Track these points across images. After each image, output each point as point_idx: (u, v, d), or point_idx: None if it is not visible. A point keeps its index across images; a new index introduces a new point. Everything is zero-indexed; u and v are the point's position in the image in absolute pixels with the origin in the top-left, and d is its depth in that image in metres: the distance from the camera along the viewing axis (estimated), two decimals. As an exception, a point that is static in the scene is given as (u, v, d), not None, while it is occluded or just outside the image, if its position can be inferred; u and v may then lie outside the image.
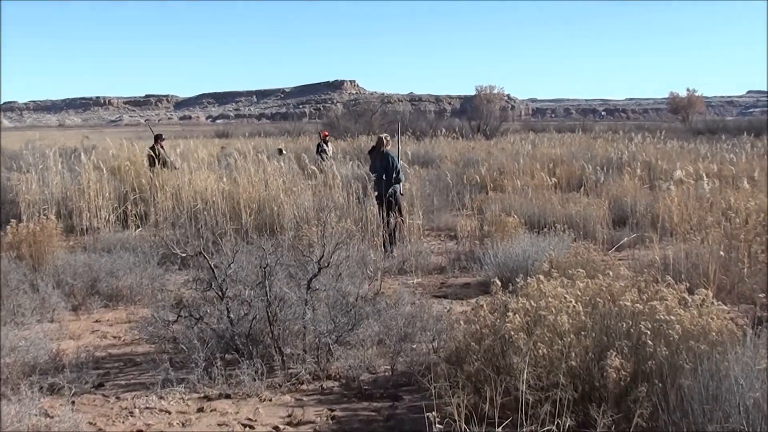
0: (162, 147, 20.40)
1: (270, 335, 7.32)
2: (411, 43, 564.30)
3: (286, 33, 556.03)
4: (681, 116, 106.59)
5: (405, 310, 8.20)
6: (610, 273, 6.90)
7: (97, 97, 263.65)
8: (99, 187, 16.01)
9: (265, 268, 7.49)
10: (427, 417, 4.64)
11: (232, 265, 7.93)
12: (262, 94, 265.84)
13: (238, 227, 13.90)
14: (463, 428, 4.85)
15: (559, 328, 5.54)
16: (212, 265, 7.78)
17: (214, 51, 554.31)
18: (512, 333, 5.57)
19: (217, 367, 7.01)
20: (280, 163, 16.67)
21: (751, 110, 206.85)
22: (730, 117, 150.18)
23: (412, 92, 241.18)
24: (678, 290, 6.05)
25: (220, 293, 7.64)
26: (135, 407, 6.67)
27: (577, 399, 5.30)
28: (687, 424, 4.96)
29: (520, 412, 5.05)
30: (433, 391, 5.44)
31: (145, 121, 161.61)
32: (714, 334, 5.42)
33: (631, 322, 5.66)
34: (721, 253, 8.91)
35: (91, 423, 6.38)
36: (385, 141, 14.18)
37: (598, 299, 5.99)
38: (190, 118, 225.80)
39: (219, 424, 6.32)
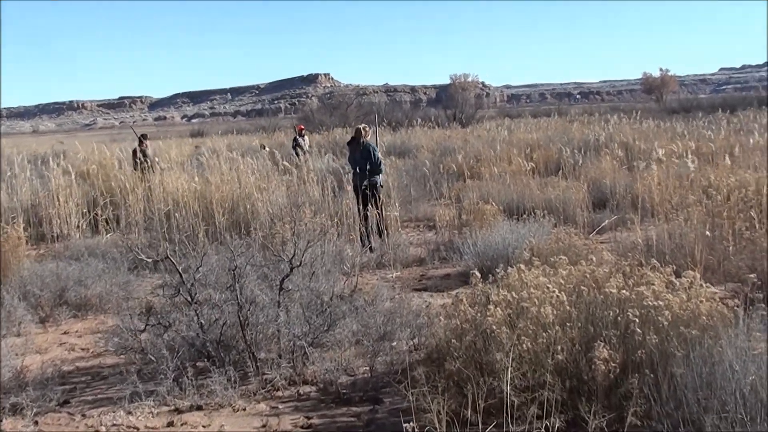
0: (147, 147, 20.14)
1: (243, 340, 7.00)
2: (385, 34, 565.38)
3: (259, 29, 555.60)
4: (655, 96, 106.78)
5: (384, 306, 7.92)
6: (593, 258, 6.58)
7: (71, 101, 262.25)
8: (68, 193, 15.66)
9: (234, 270, 7.16)
10: (405, 429, 4.34)
11: (200, 269, 7.58)
12: (237, 92, 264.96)
13: (211, 227, 13.55)
14: (444, 434, 4.57)
15: (543, 320, 5.25)
16: (180, 270, 7.44)
17: (187, 50, 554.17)
18: (494, 327, 5.28)
19: (187, 377, 6.66)
20: (253, 160, 16.32)
21: (723, 87, 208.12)
22: (704, 95, 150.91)
23: (387, 83, 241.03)
24: (664, 273, 5.79)
25: (189, 298, 7.30)
26: (101, 425, 6.33)
27: (566, 395, 5.03)
28: (682, 414, 4.68)
29: (505, 414, 4.76)
30: (411, 398, 5.13)
31: (128, 123, 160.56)
32: (704, 318, 5.15)
33: (618, 310, 5.37)
34: (707, 233, 8.62)
35: (54, 444, 6.06)
36: (363, 132, 13.84)
37: (582, 287, 5.70)
38: (165, 118, 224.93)
39: (189, 439, 6.01)
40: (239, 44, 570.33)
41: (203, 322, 7.08)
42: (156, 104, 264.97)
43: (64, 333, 9.44)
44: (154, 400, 6.57)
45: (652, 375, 4.92)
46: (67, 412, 6.72)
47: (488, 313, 5.44)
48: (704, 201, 10.50)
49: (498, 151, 21.17)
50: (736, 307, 5.26)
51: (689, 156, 12.80)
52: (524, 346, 5.11)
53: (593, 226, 12.89)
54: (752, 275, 6.19)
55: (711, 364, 4.76)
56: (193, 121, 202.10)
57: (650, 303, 5.20)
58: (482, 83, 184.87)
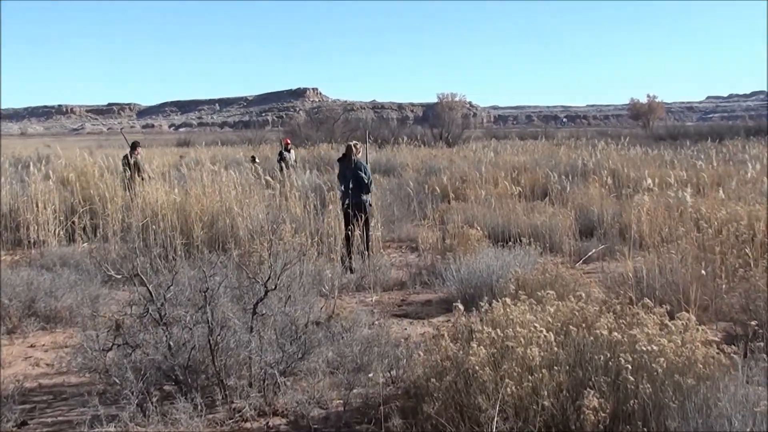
0: (138, 155, 19.86)
1: (212, 365, 6.65)
2: (373, 51, 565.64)
3: (249, 41, 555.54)
4: (642, 122, 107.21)
5: (361, 333, 7.59)
6: (582, 294, 6.27)
7: (60, 106, 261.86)
8: (47, 199, 15.32)
9: (206, 292, 6.81)
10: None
11: (171, 288, 7.23)
12: (225, 103, 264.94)
13: (189, 241, 13.20)
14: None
15: (530, 362, 4.93)
16: (150, 288, 7.10)
17: (177, 59, 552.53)
18: (476, 368, 4.96)
19: (152, 402, 6.31)
20: (235, 173, 16.00)
21: (710, 115, 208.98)
22: (690, 123, 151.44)
23: (374, 99, 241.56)
24: (658, 314, 5.49)
25: (158, 319, 6.95)
26: (57, 452, 5.99)
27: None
28: (676, 471, 4.38)
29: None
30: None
31: (116, 129, 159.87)
32: (701, 365, 4.84)
33: (609, 354, 5.05)
34: (703, 272, 8.30)
35: (7, 470, 5.71)
36: (355, 149, 13.52)
37: (570, 326, 5.39)
38: (153, 126, 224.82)
39: (149, 472, 5.66)
40: (228, 56, 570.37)
41: (172, 344, 6.73)
42: (144, 112, 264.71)
43: (31, 346, 9.07)
44: (115, 426, 6.20)
45: (644, 429, 4.61)
46: (23, 435, 6.39)
47: (471, 352, 5.12)
48: (694, 234, 10.24)
49: (484, 173, 20.89)
50: (734, 354, 4.96)
51: (683, 187, 12.56)
52: (508, 389, 4.79)
53: (579, 255, 12.64)
54: (753, 322, 5.90)
55: (707, 416, 4.46)
56: (181, 130, 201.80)
57: (643, 348, 4.89)
58: (469, 103, 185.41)
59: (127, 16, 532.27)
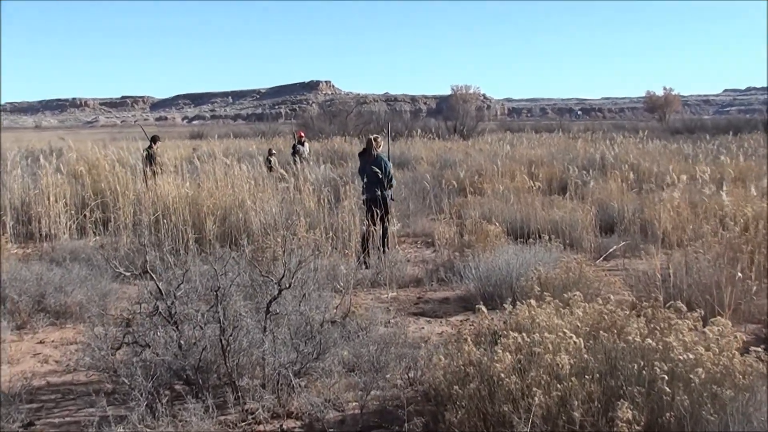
0: (157, 149, 19.83)
1: (224, 365, 6.41)
2: (386, 43, 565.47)
3: (262, 34, 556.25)
4: (658, 115, 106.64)
5: (378, 332, 7.36)
6: (611, 297, 5.98)
7: (74, 99, 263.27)
8: (58, 192, 15.15)
9: (217, 290, 6.57)
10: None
11: (182, 285, 7.00)
12: (238, 95, 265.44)
13: (201, 236, 12.99)
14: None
15: (559, 370, 4.66)
16: (160, 286, 6.87)
17: (190, 52, 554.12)
18: (502, 375, 4.70)
19: (161, 403, 6.06)
20: (249, 166, 15.77)
21: (727, 109, 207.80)
22: (707, 116, 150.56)
23: (387, 92, 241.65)
24: (691, 319, 5.21)
25: (168, 317, 6.72)
26: (64, 454, 5.76)
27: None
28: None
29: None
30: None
31: (129, 122, 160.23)
32: (739, 375, 4.57)
33: (642, 362, 4.77)
34: (739, 274, 7.96)
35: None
36: (375, 143, 13.28)
37: (600, 332, 5.12)
38: (166, 119, 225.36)
39: (159, 477, 5.43)
40: (241, 48, 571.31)
41: (182, 343, 6.50)
42: (157, 104, 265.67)
43: (40, 342, 8.86)
44: (124, 428, 5.97)
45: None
46: (29, 437, 6.17)
47: (496, 358, 4.86)
48: (720, 231, 9.94)
49: (500, 167, 20.58)
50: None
51: (708, 182, 12.24)
52: (536, 399, 4.52)
53: (600, 252, 12.37)
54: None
55: (747, 430, 4.20)
56: (194, 122, 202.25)
57: (679, 356, 4.61)
58: (483, 95, 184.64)
59: (140, 9, 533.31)
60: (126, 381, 6.24)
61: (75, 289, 9.85)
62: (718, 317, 5.19)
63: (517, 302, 6.05)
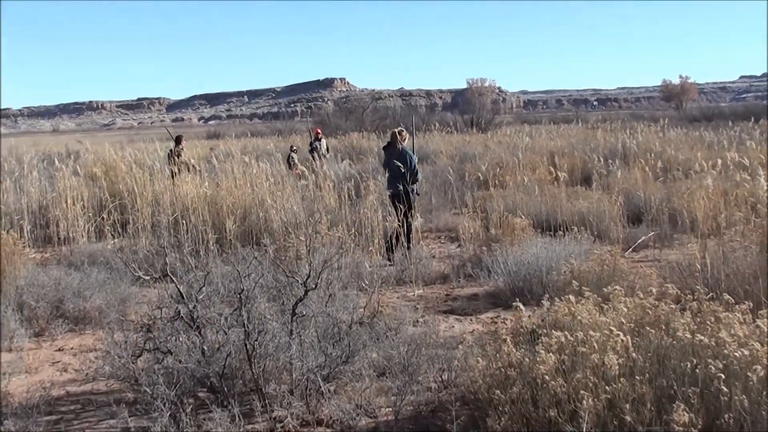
0: (182, 149, 19.72)
1: (250, 371, 6.15)
2: (400, 39, 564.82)
3: (276, 33, 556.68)
4: (674, 104, 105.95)
5: (407, 332, 7.09)
6: (653, 290, 5.67)
7: (90, 102, 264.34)
8: (76, 195, 14.96)
9: (241, 293, 6.31)
10: None
11: (203, 288, 6.74)
12: (253, 94, 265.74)
13: (222, 236, 12.76)
14: None
15: (608, 371, 4.37)
16: (181, 290, 6.62)
17: (205, 52, 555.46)
18: (546, 377, 4.42)
19: (185, 412, 5.80)
20: (267, 164, 15.55)
21: (744, 95, 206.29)
22: (724, 103, 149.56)
23: (402, 87, 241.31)
24: (740, 311, 4.92)
25: (190, 322, 6.46)
26: (84, 470, 5.51)
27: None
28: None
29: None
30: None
31: (146, 124, 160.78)
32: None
33: (695, 360, 4.47)
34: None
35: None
36: (400, 136, 13.03)
37: (647, 328, 4.82)
38: (182, 119, 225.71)
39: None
40: (256, 48, 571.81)
41: (206, 349, 6.24)
42: (174, 106, 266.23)
43: (59, 350, 8.63)
44: (147, 440, 5.74)
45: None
46: (48, 451, 5.93)
47: (538, 359, 4.57)
48: (753, 219, 9.63)
49: (522, 159, 20.25)
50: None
51: (739, 169, 11.91)
52: (584, 402, 4.23)
53: (628, 242, 12.07)
54: None
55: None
56: (210, 122, 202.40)
57: (735, 353, 4.32)
58: (499, 88, 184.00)
59: (153, 11, 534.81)
60: (148, 390, 5.97)
61: (94, 294, 9.63)
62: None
63: (550, 297, 5.79)
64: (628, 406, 4.25)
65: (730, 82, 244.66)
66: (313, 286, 6.65)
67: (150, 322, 6.83)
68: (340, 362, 6.34)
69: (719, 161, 12.71)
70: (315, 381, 6.10)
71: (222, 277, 7.47)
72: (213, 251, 12.11)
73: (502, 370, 4.92)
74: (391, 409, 6.08)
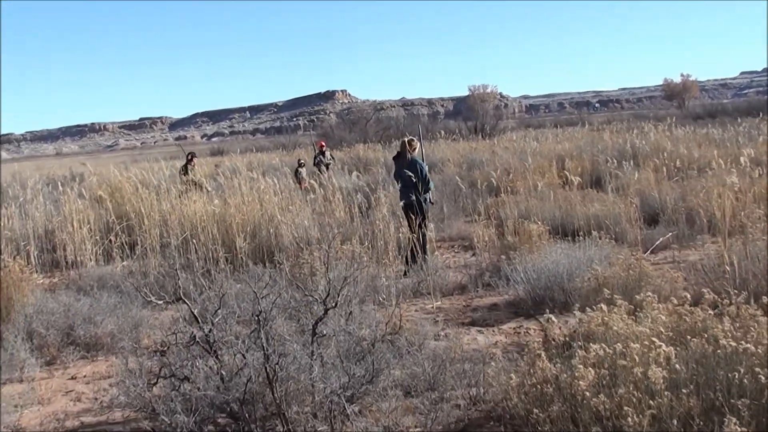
0: (194, 166, 19.58)
1: (271, 396, 5.91)
2: (399, 49, 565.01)
3: (276, 47, 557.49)
4: (677, 102, 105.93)
5: (430, 347, 6.87)
6: (687, 296, 5.43)
7: (93, 124, 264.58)
8: (82, 218, 14.77)
9: (259, 315, 6.08)
10: None
11: (219, 311, 6.51)
12: (255, 110, 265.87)
13: (232, 254, 12.56)
14: None
15: (653, 385, 4.13)
16: (195, 314, 6.40)
17: (206, 70, 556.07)
18: (587, 394, 4.18)
19: (207, 441, 5.58)
20: (274, 180, 15.35)
21: (745, 91, 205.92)
22: (726, 100, 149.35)
23: (404, 97, 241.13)
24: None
25: (207, 347, 6.24)
26: None
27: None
28: None
29: None
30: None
31: (149, 143, 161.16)
32: None
33: (741, 370, 4.22)
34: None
35: None
36: (410, 145, 12.83)
37: (689, 337, 4.58)
38: (185, 138, 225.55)
39: None
40: (256, 63, 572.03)
41: (224, 374, 6.01)
42: (176, 124, 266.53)
43: (71, 378, 8.38)
44: (167, 472, 5.52)
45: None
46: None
47: (577, 374, 4.34)
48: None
49: (531, 164, 20.04)
50: None
51: (756, 163, 11.69)
52: (629, 419, 3.99)
53: (645, 244, 11.84)
54: None
55: None
56: (213, 139, 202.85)
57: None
58: (500, 94, 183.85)
59: (152, 31, 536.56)
60: (165, 419, 5.74)
61: (105, 319, 9.39)
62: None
63: (581, 307, 5.56)
64: (675, 421, 4.01)
65: (730, 79, 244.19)
66: (333, 304, 6.42)
67: (164, 348, 6.62)
68: (364, 382, 6.11)
69: (732, 158, 12.52)
70: (339, 403, 5.86)
71: (236, 297, 7.25)
72: (224, 270, 11.90)
73: (538, 386, 4.69)
74: (420, 429, 5.85)
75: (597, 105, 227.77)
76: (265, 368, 5.79)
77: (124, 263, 13.74)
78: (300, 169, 23.31)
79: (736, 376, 4.19)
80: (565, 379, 4.52)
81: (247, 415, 5.89)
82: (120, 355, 8.02)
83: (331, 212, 13.74)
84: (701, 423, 4.07)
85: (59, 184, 18.13)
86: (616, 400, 4.16)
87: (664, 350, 4.31)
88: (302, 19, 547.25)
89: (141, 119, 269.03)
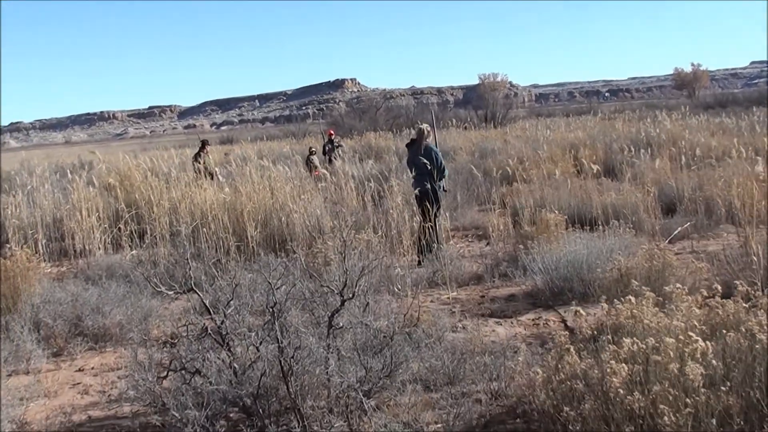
0: (207, 154, 19.42)
1: (286, 390, 5.70)
2: (409, 37, 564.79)
3: (285, 36, 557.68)
4: (687, 92, 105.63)
5: (448, 339, 6.67)
6: (718, 287, 5.20)
7: (102, 112, 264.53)
8: (91, 206, 14.59)
9: (273, 306, 5.87)
10: None
11: (231, 302, 6.32)
12: (265, 98, 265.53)
13: (243, 243, 12.37)
14: None
15: (689, 382, 3.91)
16: (207, 305, 6.21)
17: (215, 58, 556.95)
18: (621, 391, 3.97)
19: (219, 437, 5.38)
20: (285, 167, 15.15)
21: (756, 81, 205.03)
22: (736, 89, 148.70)
23: (413, 86, 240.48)
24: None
25: (219, 339, 6.05)
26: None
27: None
28: None
29: None
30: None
31: (158, 132, 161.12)
32: None
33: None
34: None
35: None
36: (425, 133, 12.62)
37: (725, 331, 4.37)
38: (194, 126, 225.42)
39: None
40: (266, 51, 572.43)
41: (237, 367, 5.81)
42: (185, 113, 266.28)
43: (79, 370, 8.19)
44: (177, 470, 5.32)
45: None
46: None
47: (609, 370, 4.13)
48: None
49: (545, 152, 19.78)
50: None
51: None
52: (665, 418, 3.78)
53: (663, 234, 11.64)
54: None
55: None
56: (222, 128, 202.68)
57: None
58: (510, 83, 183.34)
59: (164, 17, 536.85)
60: (176, 414, 5.54)
61: (113, 310, 9.20)
62: None
63: (609, 299, 5.34)
64: (714, 420, 3.80)
65: (741, 69, 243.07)
66: (350, 295, 6.22)
67: (175, 340, 6.43)
68: (382, 376, 5.91)
69: (751, 147, 12.30)
70: (356, 397, 5.65)
71: (248, 287, 7.04)
72: (235, 258, 11.72)
73: (567, 383, 4.48)
74: (441, 425, 5.63)
75: (607, 94, 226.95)
76: (280, 361, 5.58)
77: (134, 252, 13.56)
78: (312, 157, 23.16)
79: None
80: (596, 375, 4.31)
81: (260, 410, 5.69)
82: (129, 346, 7.82)
83: (343, 200, 13.54)
84: (741, 422, 3.87)
85: (68, 172, 17.90)
86: (650, 397, 3.95)
87: (701, 345, 4.10)
88: (312, 8, 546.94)
89: (150, 108, 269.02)
